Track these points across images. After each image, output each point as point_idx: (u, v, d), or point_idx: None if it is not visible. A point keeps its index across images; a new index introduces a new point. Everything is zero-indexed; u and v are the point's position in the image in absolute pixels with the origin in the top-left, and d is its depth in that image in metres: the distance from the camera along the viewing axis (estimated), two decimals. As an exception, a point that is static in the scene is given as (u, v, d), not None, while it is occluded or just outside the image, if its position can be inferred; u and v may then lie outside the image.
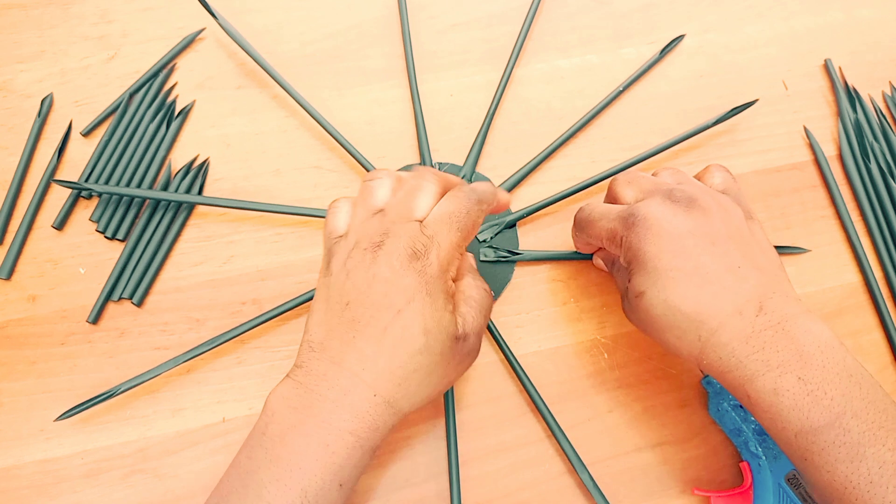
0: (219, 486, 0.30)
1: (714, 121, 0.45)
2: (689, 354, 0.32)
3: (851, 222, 0.44)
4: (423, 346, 0.30)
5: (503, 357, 0.41)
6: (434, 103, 0.47)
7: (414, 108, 0.45)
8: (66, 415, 0.37)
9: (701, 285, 0.31)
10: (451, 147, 0.46)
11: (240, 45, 0.45)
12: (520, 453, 0.39)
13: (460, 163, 0.45)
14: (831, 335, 0.30)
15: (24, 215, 0.43)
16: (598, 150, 0.46)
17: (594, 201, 0.38)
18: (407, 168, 0.44)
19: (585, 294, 0.42)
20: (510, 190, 0.44)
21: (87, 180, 0.44)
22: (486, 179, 0.44)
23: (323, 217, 0.42)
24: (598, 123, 0.47)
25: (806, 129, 0.47)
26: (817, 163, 0.46)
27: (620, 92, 0.46)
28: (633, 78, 0.47)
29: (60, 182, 0.42)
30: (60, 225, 0.43)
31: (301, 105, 0.45)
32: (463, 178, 0.44)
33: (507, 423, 0.39)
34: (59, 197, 0.44)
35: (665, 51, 0.48)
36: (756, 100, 0.46)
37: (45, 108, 0.45)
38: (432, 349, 0.30)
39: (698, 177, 0.37)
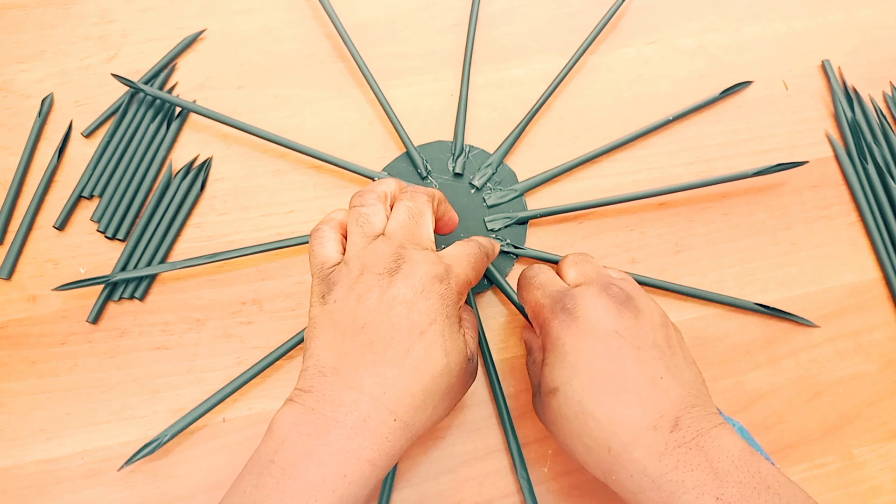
0: None
1: (706, 101, 0.46)
2: (598, 468, 0.30)
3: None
4: (444, 367, 0.30)
5: (503, 357, 0.41)
6: (434, 103, 0.47)
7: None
8: (132, 461, 0.37)
9: (618, 392, 0.29)
10: (449, 147, 0.46)
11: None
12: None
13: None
14: (744, 446, 0.28)
15: (25, 215, 0.43)
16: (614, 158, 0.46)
17: (546, 267, 0.35)
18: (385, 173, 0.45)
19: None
20: (529, 190, 0.44)
21: (87, 181, 0.44)
22: (513, 172, 0.45)
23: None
24: (598, 122, 0.47)
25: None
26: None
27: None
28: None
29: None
30: (62, 225, 0.43)
31: (291, 147, 0.45)
32: (489, 166, 0.44)
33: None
34: (59, 197, 0.44)
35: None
36: (751, 81, 0.47)
37: (46, 108, 0.45)
38: (452, 371, 0.30)
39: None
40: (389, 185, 0.35)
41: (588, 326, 0.30)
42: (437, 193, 0.36)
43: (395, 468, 0.37)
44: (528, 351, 0.36)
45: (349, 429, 0.28)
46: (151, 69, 0.46)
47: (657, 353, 0.30)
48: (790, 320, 0.42)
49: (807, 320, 0.41)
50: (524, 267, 0.42)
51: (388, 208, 0.34)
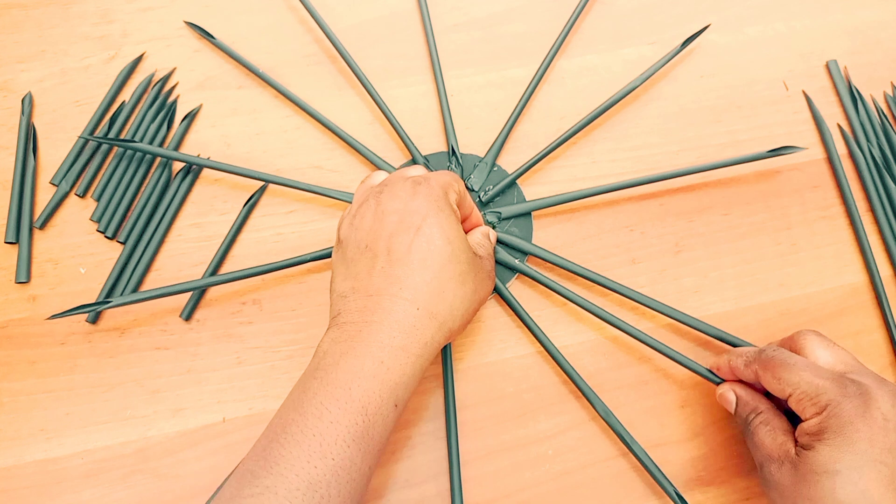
0: (271, 424, 0.30)
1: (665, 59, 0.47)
2: None
3: (862, 224, 0.44)
4: (450, 253, 0.32)
5: (503, 358, 0.41)
6: (434, 103, 0.47)
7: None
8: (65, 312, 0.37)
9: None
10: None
11: (238, 60, 0.47)
12: (519, 454, 0.39)
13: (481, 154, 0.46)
14: None
15: (25, 216, 0.43)
16: (598, 150, 0.46)
17: (783, 348, 0.35)
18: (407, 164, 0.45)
19: (586, 295, 0.42)
20: (517, 179, 0.44)
21: (89, 181, 0.44)
22: (507, 174, 0.45)
23: (325, 195, 0.43)
24: (599, 123, 0.47)
25: (819, 127, 0.47)
26: (829, 161, 0.46)
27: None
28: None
29: (91, 138, 0.43)
30: (42, 224, 0.42)
31: (303, 108, 0.45)
32: (483, 167, 0.45)
33: (507, 423, 0.39)
34: (54, 197, 0.44)
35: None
36: (708, 25, 0.48)
37: (27, 107, 0.45)
38: (459, 257, 0.33)
39: (795, 348, 0.35)
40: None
41: (883, 421, 0.30)
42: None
43: (395, 467, 0.37)
44: (750, 409, 0.35)
45: (377, 325, 0.31)
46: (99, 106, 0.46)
47: None
48: (728, 342, 0.39)
49: (744, 341, 0.39)
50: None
51: None
